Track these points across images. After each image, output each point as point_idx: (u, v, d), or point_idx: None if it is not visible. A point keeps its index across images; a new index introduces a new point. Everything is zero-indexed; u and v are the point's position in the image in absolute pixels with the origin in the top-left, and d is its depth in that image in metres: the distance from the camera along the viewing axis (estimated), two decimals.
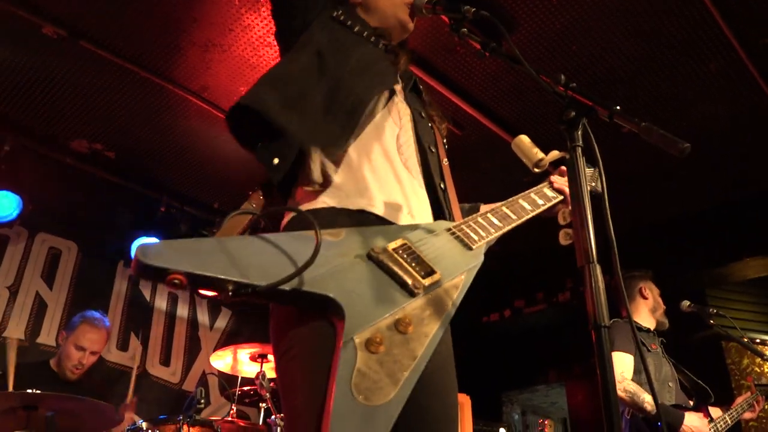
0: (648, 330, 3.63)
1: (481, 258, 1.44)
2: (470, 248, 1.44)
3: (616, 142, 3.70)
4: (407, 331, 1.18)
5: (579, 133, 1.29)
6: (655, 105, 4.27)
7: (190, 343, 5.45)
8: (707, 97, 4.16)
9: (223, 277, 1.09)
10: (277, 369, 1.33)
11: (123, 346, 5.05)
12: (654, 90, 4.14)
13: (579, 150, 1.28)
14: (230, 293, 1.09)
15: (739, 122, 4.38)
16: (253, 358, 3.86)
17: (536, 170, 1.38)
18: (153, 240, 4.96)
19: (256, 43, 3.84)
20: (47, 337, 4.64)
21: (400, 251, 1.32)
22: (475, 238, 1.47)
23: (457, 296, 1.31)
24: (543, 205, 1.74)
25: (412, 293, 1.25)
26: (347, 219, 1.38)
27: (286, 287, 1.13)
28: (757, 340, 5.65)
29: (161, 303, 5.39)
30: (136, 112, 4.43)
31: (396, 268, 1.27)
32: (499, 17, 3.69)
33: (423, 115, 1.67)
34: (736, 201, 5.16)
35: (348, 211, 1.40)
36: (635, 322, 3.65)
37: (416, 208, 1.49)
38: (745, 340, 5.02)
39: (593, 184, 2.00)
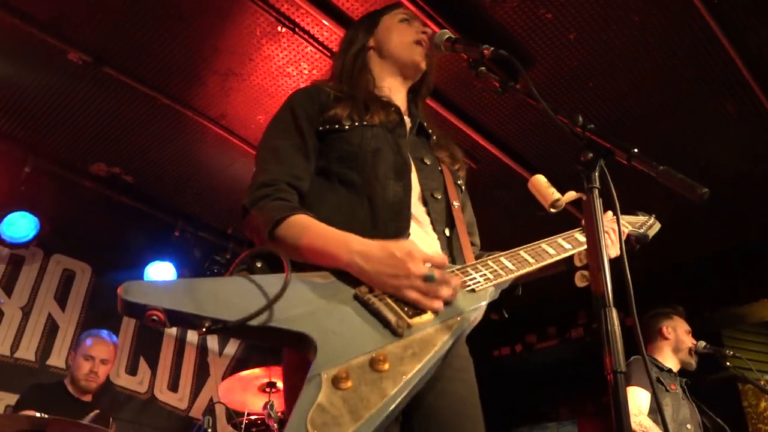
0: (669, 370, 3.56)
1: (486, 301, 1.38)
2: (473, 290, 1.39)
3: (631, 180, 3.69)
4: (382, 369, 1.15)
5: (596, 174, 1.29)
6: (672, 144, 4.25)
7: (199, 369, 5.43)
8: (726, 137, 4.14)
9: (197, 313, 1.15)
10: (286, 403, 1.33)
11: (132, 370, 5.04)
12: (671, 129, 4.13)
13: (596, 192, 1.27)
14: (205, 330, 1.14)
15: (757, 163, 4.35)
16: (261, 389, 3.83)
17: (552, 210, 1.37)
18: (166, 264, 4.98)
19: (275, 73, 3.90)
20: (58, 359, 4.65)
21: None
22: (480, 280, 1.43)
23: (448, 338, 1.26)
24: (570, 249, 1.65)
25: (395, 333, 1.23)
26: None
27: (255, 323, 1.16)
28: None
29: (171, 328, 5.38)
30: (155, 138, 4.49)
31: (381, 307, 1.26)
32: (515, 53, 3.71)
33: (427, 161, 1.66)
34: (753, 242, 5.10)
35: None
36: (656, 360, 3.59)
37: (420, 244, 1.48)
38: (762, 383, 4.90)
39: (642, 230, 1.96)
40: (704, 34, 3.42)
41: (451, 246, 1.56)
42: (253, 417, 4.08)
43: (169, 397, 5.15)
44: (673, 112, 3.99)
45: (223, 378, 5.33)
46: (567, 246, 1.66)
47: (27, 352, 4.56)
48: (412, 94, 1.88)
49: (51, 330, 4.74)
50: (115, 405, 4.73)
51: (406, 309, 1.28)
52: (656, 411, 3.29)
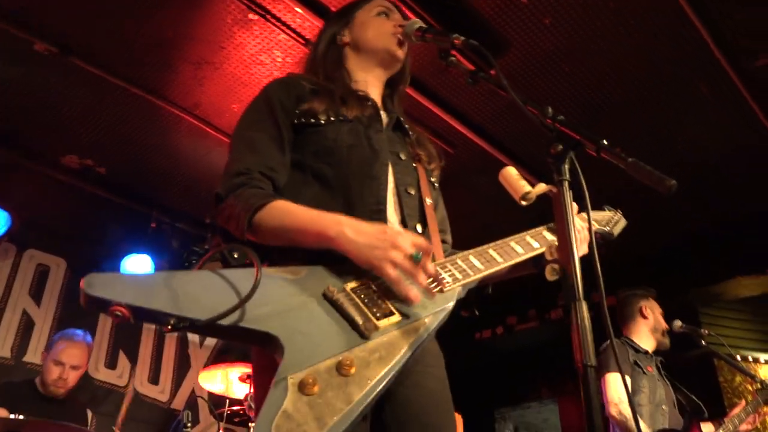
0: (646, 352, 3.60)
1: (452, 301, 1.38)
2: (441, 291, 1.38)
3: (607, 163, 3.71)
4: (348, 373, 1.15)
5: (566, 167, 1.28)
6: (647, 126, 4.28)
7: (179, 361, 5.39)
8: (700, 119, 4.17)
9: (163, 310, 1.11)
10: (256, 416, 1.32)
11: (111, 364, 5.00)
12: (648, 112, 4.15)
13: (566, 184, 1.27)
14: (170, 327, 1.10)
15: (731, 143, 4.40)
16: (242, 380, 3.82)
17: (523, 203, 1.36)
18: (143, 257, 4.93)
19: (248, 61, 3.84)
20: (34, 355, 4.59)
21: (359, 291, 1.29)
22: (449, 280, 1.41)
23: (415, 340, 1.26)
24: (537, 248, 1.64)
25: (362, 335, 1.22)
26: (318, 257, 1.36)
27: (224, 322, 1.13)
28: (750, 358, 5.66)
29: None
30: (128, 128, 4.41)
31: (350, 308, 1.25)
32: (490, 38, 3.74)
33: (402, 156, 1.65)
34: (728, 221, 5.17)
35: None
36: (632, 341, 3.63)
37: None
38: (738, 357, 5.01)
39: (607, 228, 1.95)
40: (679, 19, 3.42)
41: None
42: (235, 408, 4.09)
43: (150, 390, 5.12)
44: (649, 95, 4.00)
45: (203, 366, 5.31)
46: (535, 245, 1.65)
47: (2, 349, 4.50)
48: (389, 89, 1.86)
49: (26, 326, 4.67)
50: (95, 399, 4.69)
51: (374, 310, 1.26)
52: (634, 393, 3.33)
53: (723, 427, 3.46)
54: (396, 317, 1.27)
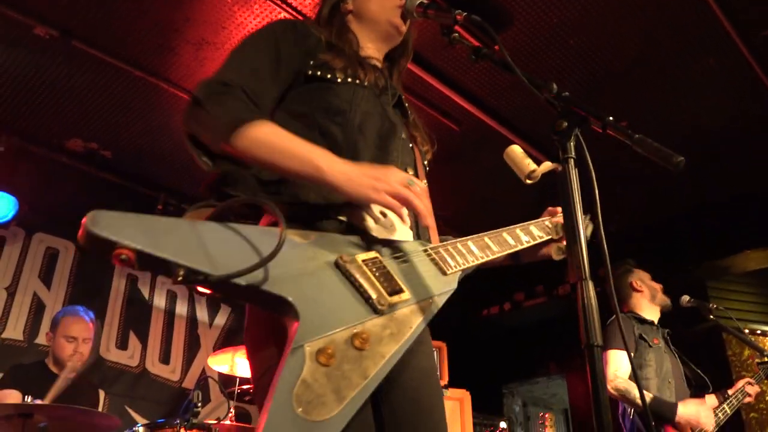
0: (651, 323, 3.60)
1: (455, 285, 1.37)
2: (444, 273, 1.38)
3: (614, 137, 3.68)
4: (364, 347, 1.12)
5: (572, 144, 1.26)
6: (654, 99, 4.23)
7: (189, 340, 5.44)
8: (707, 91, 4.12)
9: (174, 260, 1.01)
10: (255, 386, 1.30)
11: (122, 345, 5.05)
12: (653, 84, 4.10)
13: (572, 162, 1.25)
14: (180, 278, 1.01)
15: (739, 116, 4.34)
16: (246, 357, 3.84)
17: (528, 181, 1.35)
18: None
19: None
20: (46, 337, 4.64)
21: (370, 264, 1.26)
22: (452, 263, 1.41)
23: (422, 321, 1.25)
24: (539, 236, 1.66)
25: (375, 309, 1.19)
26: (326, 223, 1.34)
27: (242, 281, 1.06)
28: (758, 331, 5.65)
29: (160, 301, 5.38)
30: (131, 111, 4.39)
31: (362, 281, 1.21)
32: (495, 11, 3.68)
33: (404, 135, 1.62)
34: (736, 194, 5.13)
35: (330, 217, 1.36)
36: (637, 314, 3.63)
37: (398, 226, 1.45)
38: (746, 331, 5.00)
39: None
40: None
41: (417, 226, 1.53)
42: (245, 387, 4.12)
43: (161, 370, 5.18)
44: (655, 67, 3.94)
45: (214, 350, 5.36)
46: (525, 239, 1.67)
47: (14, 332, 4.54)
48: (389, 62, 1.82)
49: (37, 309, 4.71)
50: (107, 380, 4.74)
51: (385, 285, 1.24)
52: (640, 367, 3.34)
53: (728, 401, 3.46)
54: (406, 294, 1.26)
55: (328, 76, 1.51)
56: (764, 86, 4.04)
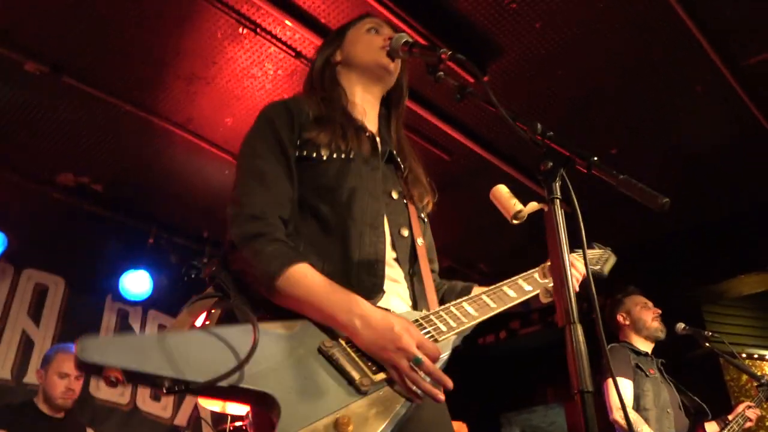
0: (646, 354, 3.57)
1: (448, 350, 1.37)
2: (436, 340, 1.36)
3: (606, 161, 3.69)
4: (346, 431, 1.12)
5: (557, 184, 1.25)
6: (642, 126, 4.26)
7: None
8: (695, 117, 4.15)
9: (158, 374, 1.08)
10: None
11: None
12: (641, 111, 4.13)
13: (557, 202, 1.24)
14: (165, 389, 1.08)
15: (727, 140, 4.38)
16: None
17: (515, 222, 1.33)
18: (141, 273, 4.91)
19: (240, 75, 3.82)
20: (34, 376, 4.56)
21: (353, 343, 1.27)
22: (444, 329, 1.39)
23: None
24: (529, 291, 1.64)
25: (359, 390, 1.19)
26: None
27: (224, 384, 1.11)
28: (755, 355, 5.63)
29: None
30: (122, 145, 4.40)
31: (345, 363, 1.22)
32: (483, 44, 3.72)
33: (395, 195, 1.61)
34: (729, 218, 5.15)
35: None
36: (632, 345, 3.60)
37: (391, 296, 1.45)
38: (743, 355, 4.96)
39: (598, 266, 1.91)
40: (670, 17, 3.40)
41: (413, 288, 1.53)
42: (237, 424, 4.06)
43: (152, 407, 5.09)
44: (642, 93, 3.98)
45: None
46: (527, 288, 1.65)
47: (2, 370, 4.46)
48: (385, 108, 1.83)
49: (26, 347, 4.64)
50: (97, 418, 4.65)
51: (369, 363, 1.24)
52: (638, 397, 3.31)
53: (728, 426, 3.42)
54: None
55: (314, 155, 1.52)
56: (750, 111, 4.07)
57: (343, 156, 1.54)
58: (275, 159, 1.49)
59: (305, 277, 1.33)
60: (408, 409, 1.22)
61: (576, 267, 1.65)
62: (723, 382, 5.47)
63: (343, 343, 1.26)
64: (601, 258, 1.95)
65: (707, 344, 3.78)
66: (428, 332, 1.37)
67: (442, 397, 1.28)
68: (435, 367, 1.28)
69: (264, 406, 1.16)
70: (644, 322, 3.63)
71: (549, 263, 1.78)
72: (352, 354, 1.25)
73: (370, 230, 1.49)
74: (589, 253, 1.97)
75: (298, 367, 1.20)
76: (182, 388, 1.09)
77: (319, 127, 1.56)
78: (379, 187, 1.58)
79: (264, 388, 1.14)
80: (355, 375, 1.21)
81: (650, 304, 3.71)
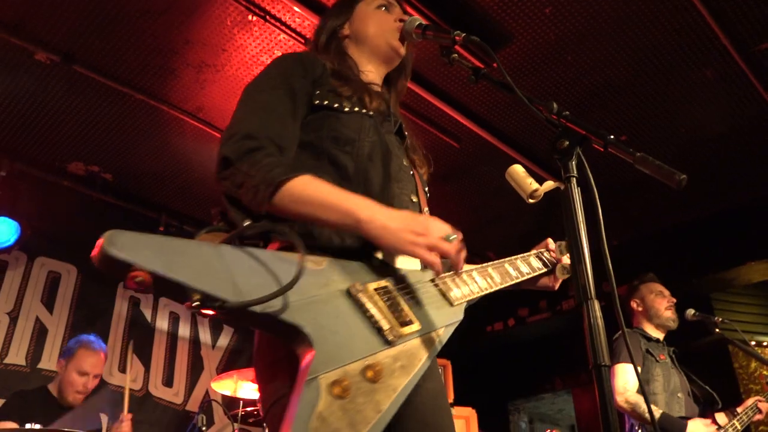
0: (657, 340, 3.58)
1: (461, 316, 1.37)
2: (451, 304, 1.37)
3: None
4: (376, 380, 1.10)
5: (573, 163, 1.26)
6: (652, 113, 4.25)
7: (192, 362, 5.41)
8: (706, 103, 4.13)
9: (191, 285, 0.99)
10: (266, 414, 1.27)
11: (124, 368, 5.01)
12: (651, 98, 4.11)
13: (574, 181, 1.25)
14: (195, 304, 0.99)
15: (738, 127, 4.36)
16: (255, 381, 3.82)
17: (531, 201, 1.35)
18: None
19: (250, 62, 3.83)
20: (48, 362, 4.61)
21: (381, 293, 1.25)
22: (458, 294, 1.41)
23: (432, 352, 1.24)
24: (528, 273, 1.69)
25: (386, 341, 1.17)
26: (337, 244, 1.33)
27: (257, 309, 1.04)
28: (764, 343, 5.62)
29: (162, 323, 5.36)
30: (132, 134, 4.41)
31: (374, 311, 1.20)
32: (492, 30, 3.71)
33: (404, 162, 1.61)
34: (738, 206, 5.13)
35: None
36: (644, 331, 3.62)
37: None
38: (752, 343, 4.96)
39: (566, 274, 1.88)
40: (680, 2, 3.38)
41: None
42: (249, 408, 4.10)
43: (164, 393, 5.14)
44: (652, 79, 3.96)
45: (217, 372, 5.33)
46: (525, 270, 1.69)
47: (17, 357, 4.52)
48: (386, 84, 1.82)
49: (40, 334, 4.69)
50: (110, 404, 4.70)
51: (396, 316, 1.23)
52: (648, 382, 3.32)
53: (738, 418, 3.43)
54: (416, 326, 1.24)
55: (335, 105, 1.51)
56: (761, 97, 4.05)
57: (364, 111, 1.53)
58: (281, 96, 1.45)
59: (314, 181, 1.28)
60: (427, 366, 1.21)
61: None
62: (732, 369, 5.48)
63: (370, 289, 1.24)
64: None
65: (717, 330, 3.78)
66: (443, 293, 1.39)
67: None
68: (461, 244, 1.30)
69: (290, 339, 1.11)
70: (657, 310, 3.63)
71: (545, 247, 1.81)
72: (381, 303, 1.23)
73: (395, 183, 1.49)
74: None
75: (328, 305, 1.15)
76: (215, 306, 1.01)
77: (340, 81, 1.55)
78: (396, 149, 1.59)
79: (299, 321, 1.08)
80: (385, 324, 1.18)
81: (666, 292, 3.70)
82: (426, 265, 1.30)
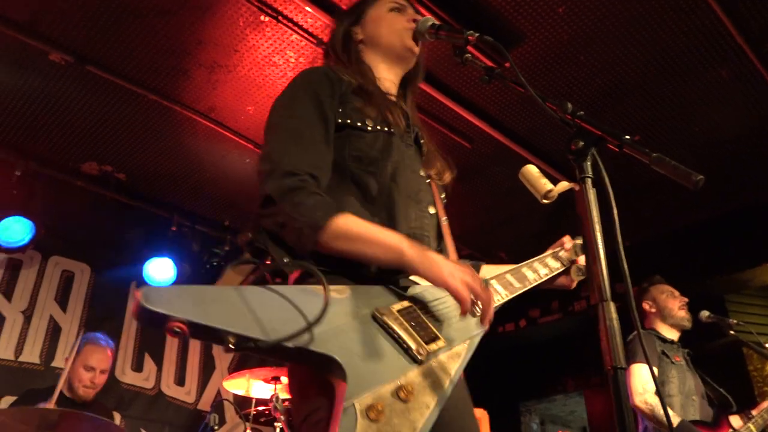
0: (672, 341, 3.56)
1: (486, 326, 1.38)
2: (474, 315, 1.36)
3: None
4: (409, 399, 1.14)
5: (588, 163, 1.25)
6: (666, 113, 4.21)
7: (204, 361, 5.44)
8: (721, 103, 4.09)
9: (225, 329, 1.05)
10: (300, 426, 1.29)
11: (137, 367, 5.05)
12: (665, 98, 4.08)
13: (589, 181, 1.24)
14: (231, 346, 1.05)
15: (753, 127, 4.31)
16: (267, 381, 3.84)
17: (545, 201, 1.34)
18: (165, 260, 4.96)
19: (262, 63, 3.84)
20: (62, 360, 4.65)
21: (405, 314, 1.28)
22: (480, 305, 1.40)
23: (459, 365, 1.27)
24: (547, 275, 1.69)
25: (415, 359, 1.21)
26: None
27: (290, 344, 1.09)
28: None
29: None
30: (145, 134, 4.44)
31: (400, 332, 1.23)
32: (504, 30, 3.70)
33: (422, 173, 1.62)
34: (753, 206, 5.07)
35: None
36: (658, 332, 3.59)
37: None
38: (767, 345, 4.89)
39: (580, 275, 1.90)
40: (693, 1, 3.35)
41: None
42: (260, 408, 4.11)
43: (176, 392, 5.17)
44: (666, 79, 3.93)
45: (229, 371, 5.34)
46: (543, 271, 1.70)
47: (31, 355, 4.56)
48: (403, 88, 1.82)
49: (54, 332, 4.73)
50: (123, 402, 4.74)
51: (422, 334, 1.26)
52: (663, 384, 3.29)
53: (753, 421, 3.39)
54: (441, 342, 1.28)
55: (358, 124, 1.51)
56: None
57: (386, 129, 1.54)
58: (313, 119, 1.47)
59: (357, 221, 1.32)
60: (456, 380, 1.24)
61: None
62: (746, 371, 5.42)
63: (394, 311, 1.27)
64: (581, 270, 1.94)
65: (732, 332, 3.74)
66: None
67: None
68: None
69: (324, 369, 1.15)
70: (670, 310, 3.61)
71: (561, 246, 1.80)
72: (405, 323, 1.26)
73: (415, 204, 1.51)
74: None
75: (357, 331, 1.20)
76: (250, 346, 1.07)
77: (364, 99, 1.56)
78: (415, 164, 1.59)
79: (330, 351, 1.13)
80: (411, 344, 1.22)
81: (677, 293, 3.68)
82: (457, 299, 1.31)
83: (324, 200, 1.33)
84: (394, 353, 1.21)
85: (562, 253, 1.77)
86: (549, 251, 1.79)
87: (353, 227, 1.30)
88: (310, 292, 1.20)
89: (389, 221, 1.43)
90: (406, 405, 1.13)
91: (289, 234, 1.30)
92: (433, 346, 1.25)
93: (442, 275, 1.26)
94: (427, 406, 1.15)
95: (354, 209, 1.40)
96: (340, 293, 1.25)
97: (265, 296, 1.17)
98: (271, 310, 1.14)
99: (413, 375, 1.19)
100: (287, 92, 1.55)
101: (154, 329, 1.03)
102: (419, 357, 1.21)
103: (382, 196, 1.46)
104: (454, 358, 1.28)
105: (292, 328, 1.10)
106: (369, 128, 1.52)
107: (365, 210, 1.43)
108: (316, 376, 1.20)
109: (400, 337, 1.22)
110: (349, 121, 1.51)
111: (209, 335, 1.06)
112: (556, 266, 1.74)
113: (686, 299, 3.66)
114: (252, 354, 1.14)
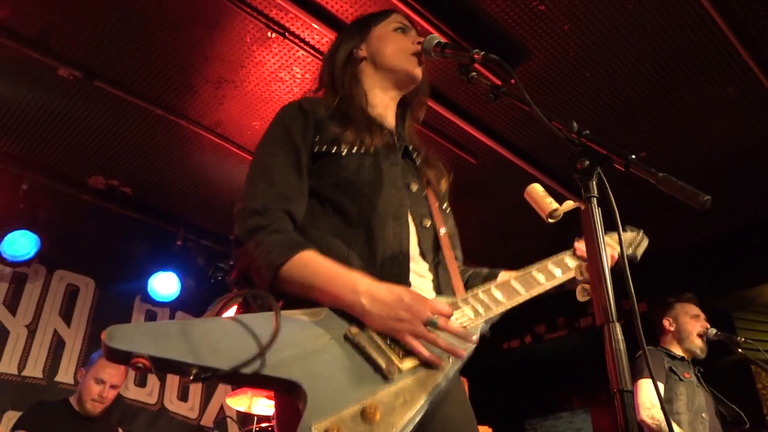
0: (682, 358, 3.53)
1: (476, 336, 1.35)
2: (464, 328, 1.34)
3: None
4: (373, 420, 1.11)
5: (594, 183, 1.24)
6: (673, 130, 4.20)
7: None
8: (728, 119, 4.08)
9: (184, 360, 1.09)
10: None
11: (141, 382, 5.03)
12: (672, 114, 4.07)
13: (594, 201, 1.23)
14: (192, 377, 1.09)
15: (761, 143, 4.29)
16: (269, 398, 3.82)
17: (550, 220, 1.33)
18: (170, 274, 4.96)
19: (268, 78, 3.86)
20: (65, 375, 4.64)
21: (380, 332, 1.26)
22: (471, 316, 1.39)
23: (440, 381, 1.23)
24: (560, 277, 1.61)
25: (385, 378, 1.19)
26: None
27: (246, 371, 1.11)
28: None
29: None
30: (152, 149, 4.46)
31: (371, 350, 1.22)
32: (510, 47, 3.71)
33: (414, 187, 1.60)
34: (761, 223, 5.04)
35: None
36: (668, 350, 3.56)
37: (415, 286, 1.43)
38: None
39: (630, 250, 1.86)
40: (701, 19, 3.36)
41: (438, 278, 1.51)
42: (263, 425, 4.09)
43: (179, 407, 5.14)
44: (672, 97, 3.93)
45: (233, 388, 5.32)
46: (557, 272, 1.61)
47: (34, 370, 4.55)
48: (401, 108, 1.82)
49: (57, 346, 4.72)
50: (126, 418, 4.72)
51: (396, 350, 1.24)
52: (670, 401, 3.26)
53: None
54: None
55: (333, 149, 1.52)
56: None
57: (362, 150, 1.54)
58: (283, 153, 1.50)
59: (308, 263, 1.32)
60: (434, 399, 1.20)
61: (610, 245, 1.59)
62: (755, 390, 5.36)
63: (370, 330, 1.25)
64: (634, 241, 1.91)
65: (740, 350, 3.70)
66: (456, 319, 1.36)
67: (462, 353, 1.27)
68: (452, 325, 1.28)
69: (290, 393, 1.16)
70: (689, 334, 3.58)
71: (578, 250, 1.76)
72: (379, 341, 1.24)
73: (394, 221, 1.48)
74: (623, 235, 1.93)
75: (324, 354, 1.20)
76: (208, 375, 1.10)
77: (340, 124, 1.57)
78: (399, 180, 1.57)
79: (288, 375, 1.14)
80: (382, 362, 1.20)
81: (702, 316, 3.64)
82: (439, 287, 1.28)
83: (284, 239, 1.35)
84: (363, 373, 1.19)
85: (567, 259, 1.71)
86: (560, 254, 1.71)
87: (305, 271, 1.31)
88: (272, 319, 1.19)
89: (368, 242, 1.43)
90: (371, 427, 1.11)
91: (255, 274, 1.34)
92: (408, 363, 1.22)
93: (388, 332, 1.25)
94: (393, 426, 1.13)
95: (329, 233, 1.42)
96: (315, 316, 1.25)
97: (226, 327, 1.20)
98: (230, 339, 1.16)
99: (382, 395, 1.16)
100: (264, 133, 1.59)
101: (122, 364, 1.08)
102: (389, 375, 1.19)
103: (361, 218, 1.45)
104: (434, 374, 1.24)
105: (248, 356, 1.11)
106: (344, 153, 1.52)
107: (345, 235, 1.43)
108: (291, 402, 1.19)
109: (370, 356, 1.21)
110: (324, 149, 1.53)
111: (171, 368, 1.10)
112: (575, 264, 1.64)
113: (707, 325, 3.62)
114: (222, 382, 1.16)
